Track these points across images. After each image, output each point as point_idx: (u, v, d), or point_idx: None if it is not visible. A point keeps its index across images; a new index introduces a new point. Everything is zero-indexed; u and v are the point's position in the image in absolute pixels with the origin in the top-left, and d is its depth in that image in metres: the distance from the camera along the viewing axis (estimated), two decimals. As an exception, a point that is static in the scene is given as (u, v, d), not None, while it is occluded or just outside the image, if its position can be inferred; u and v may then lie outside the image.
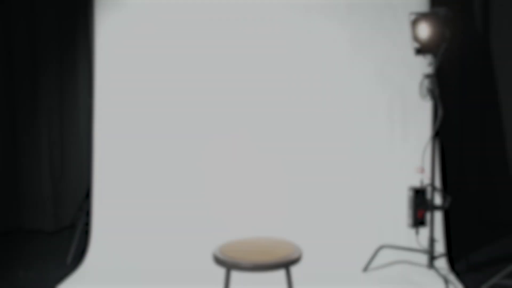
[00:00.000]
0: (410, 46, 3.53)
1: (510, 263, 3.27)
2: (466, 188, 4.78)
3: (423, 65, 3.67)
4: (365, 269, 3.68)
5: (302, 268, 2.69)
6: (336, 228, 3.96)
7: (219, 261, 2.44)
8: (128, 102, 4.16)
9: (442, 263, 3.64)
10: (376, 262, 3.70)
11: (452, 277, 3.54)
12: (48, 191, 4.74)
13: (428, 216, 3.44)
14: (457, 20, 4.42)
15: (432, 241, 3.47)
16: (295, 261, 2.42)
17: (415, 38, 3.48)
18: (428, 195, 3.45)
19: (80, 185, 4.80)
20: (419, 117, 4.02)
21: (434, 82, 3.42)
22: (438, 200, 3.62)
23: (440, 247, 3.73)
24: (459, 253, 3.91)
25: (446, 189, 3.96)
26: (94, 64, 4.20)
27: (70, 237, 4.20)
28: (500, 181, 4.73)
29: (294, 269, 2.50)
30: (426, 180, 3.46)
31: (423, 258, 3.59)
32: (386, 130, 4.10)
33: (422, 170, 3.45)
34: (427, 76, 3.48)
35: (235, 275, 2.52)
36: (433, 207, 3.46)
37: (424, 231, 3.52)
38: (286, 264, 2.40)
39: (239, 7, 4.14)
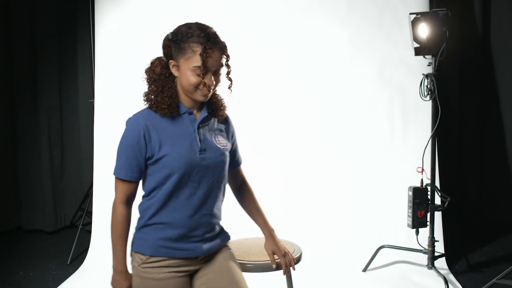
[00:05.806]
0: (410, 46, 3.52)
1: (510, 263, 3.27)
2: (466, 188, 4.79)
3: (423, 65, 3.66)
4: (365, 269, 3.68)
5: (302, 268, 2.68)
6: (336, 228, 3.96)
7: (219, 261, 2.43)
8: (128, 101, 4.15)
9: (442, 263, 3.64)
10: (376, 262, 3.70)
11: (452, 277, 3.54)
12: (48, 191, 4.74)
13: (428, 216, 3.44)
14: (457, 20, 4.43)
15: (432, 241, 3.47)
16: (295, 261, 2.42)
17: (415, 38, 3.47)
18: (428, 195, 3.45)
19: (80, 185, 4.80)
20: (419, 117, 4.02)
21: (434, 82, 3.42)
22: (438, 200, 3.62)
23: (440, 247, 3.73)
24: (459, 253, 3.91)
25: (446, 189, 3.96)
26: (94, 63, 4.20)
27: (70, 237, 4.20)
28: (499, 181, 4.73)
29: (294, 269, 2.49)
30: (426, 180, 3.46)
31: (423, 258, 3.59)
32: (386, 130, 4.10)
33: (422, 170, 3.45)
34: (427, 76, 3.47)
35: (235, 275, 2.51)
36: (433, 207, 3.45)
37: (424, 231, 3.52)
38: (286, 264, 2.39)
39: (240, 7, 4.14)
